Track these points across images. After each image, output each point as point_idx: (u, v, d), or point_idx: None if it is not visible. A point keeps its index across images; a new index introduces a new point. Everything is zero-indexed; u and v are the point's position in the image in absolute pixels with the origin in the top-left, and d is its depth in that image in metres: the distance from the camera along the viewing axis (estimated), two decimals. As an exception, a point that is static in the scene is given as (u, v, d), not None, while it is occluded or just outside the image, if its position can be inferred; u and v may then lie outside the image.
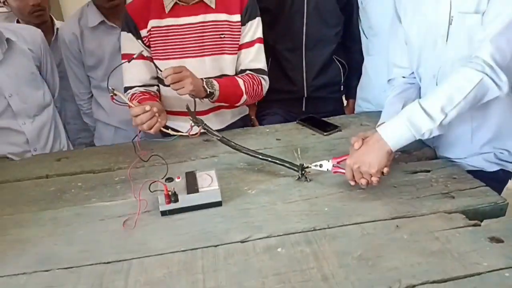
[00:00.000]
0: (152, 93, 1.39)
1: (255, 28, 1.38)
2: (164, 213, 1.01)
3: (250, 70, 1.41)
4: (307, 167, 1.13)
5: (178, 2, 1.32)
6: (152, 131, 1.17)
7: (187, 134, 1.21)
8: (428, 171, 1.15)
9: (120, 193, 1.14)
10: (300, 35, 1.59)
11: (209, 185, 1.04)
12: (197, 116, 1.22)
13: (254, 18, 1.37)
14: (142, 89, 1.38)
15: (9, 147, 1.47)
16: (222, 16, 1.34)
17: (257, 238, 0.92)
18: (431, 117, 0.98)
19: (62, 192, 1.17)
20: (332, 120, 1.52)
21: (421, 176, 1.12)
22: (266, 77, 1.44)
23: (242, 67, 1.42)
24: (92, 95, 1.81)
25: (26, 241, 0.96)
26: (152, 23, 1.33)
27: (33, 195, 1.16)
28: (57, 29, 1.83)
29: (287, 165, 1.15)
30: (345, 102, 1.85)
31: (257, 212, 1.01)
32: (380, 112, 1.55)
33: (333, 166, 1.10)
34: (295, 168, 1.14)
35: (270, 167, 1.21)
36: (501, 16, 0.95)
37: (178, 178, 1.07)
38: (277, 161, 1.17)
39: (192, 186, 1.03)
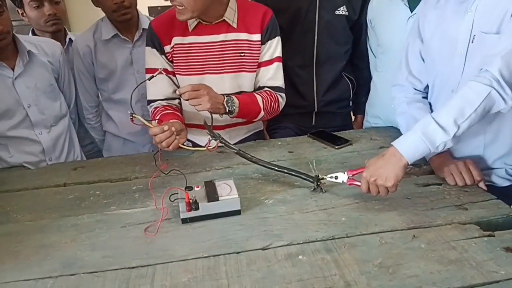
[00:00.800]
0: (174, 106, 1.43)
1: (274, 47, 1.43)
2: (184, 221, 1.04)
3: (268, 87, 1.45)
4: (322, 179, 1.16)
5: (201, 21, 1.36)
6: (170, 148, 1.20)
7: (205, 148, 1.23)
8: (440, 184, 1.17)
9: (139, 201, 1.17)
10: (311, 52, 1.64)
11: (228, 193, 1.06)
12: (214, 131, 1.25)
13: (274, 37, 1.42)
14: (164, 102, 1.42)
15: (26, 156, 1.49)
16: (243, 36, 1.39)
17: (278, 246, 0.94)
18: (444, 130, 1.02)
19: (81, 200, 1.19)
20: (342, 134, 1.56)
21: (434, 189, 1.15)
22: (283, 95, 1.48)
23: (260, 84, 1.46)
24: (98, 108, 1.84)
25: (49, 246, 0.98)
26: (176, 40, 1.38)
27: (53, 203, 1.18)
28: (69, 39, 1.88)
29: (302, 176, 1.18)
30: (353, 118, 1.90)
31: (276, 221, 1.04)
32: (389, 127, 1.61)
33: (348, 178, 1.13)
34: (311, 179, 1.17)
35: (284, 178, 1.24)
36: None
37: (198, 187, 1.09)
38: (293, 173, 1.19)
39: (212, 194, 1.05)
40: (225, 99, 1.31)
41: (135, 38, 1.71)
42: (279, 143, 1.52)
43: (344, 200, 1.11)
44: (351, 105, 1.79)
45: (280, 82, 1.47)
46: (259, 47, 1.41)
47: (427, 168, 1.28)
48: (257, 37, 1.39)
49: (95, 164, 1.44)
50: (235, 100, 1.33)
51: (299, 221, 1.03)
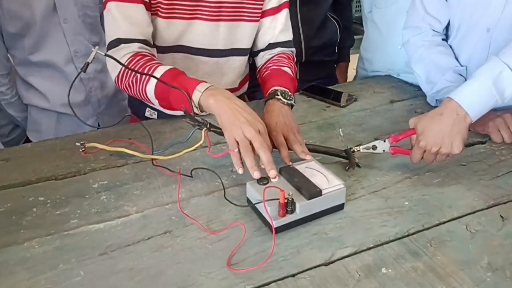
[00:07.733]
0: (155, 57, 1.00)
1: None
2: (279, 230, 0.71)
3: (280, 44, 1.12)
4: (356, 151, 0.90)
5: None
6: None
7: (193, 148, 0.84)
8: (483, 142, 0.99)
9: (111, 207, 0.80)
10: (293, -12, 1.32)
11: (328, 183, 0.75)
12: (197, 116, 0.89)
13: None
14: (145, 48, 0.97)
15: None
16: None
17: (345, 256, 0.67)
18: None
19: (19, 214, 0.79)
20: (338, 88, 1.31)
21: (481, 149, 0.97)
22: (294, 50, 1.17)
23: (271, 41, 1.11)
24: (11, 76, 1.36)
25: (-10, 308, 0.61)
26: None
27: (-26, 225, 0.77)
28: None
29: (332, 152, 0.91)
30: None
31: (323, 217, 0.76)
32: (387, 76, 1.39)
33: (390, 146, 0.88)
34: (344, 155, 0.90)
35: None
36: None
37: (274, 177, 0.76)
38: (322, 149, 0.92)
39: (310, 187, 0.74)
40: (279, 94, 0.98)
41: None
42: (269, 105, 1.22)
43: (391, 176, 0.87)
44: (337, 51, 1.53)
45: (291, 34, 1.14)
46: None
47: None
48: None
49: (24, 153, 1.01)
50: (286, 90, 1.01)
51: (352, 213, 0.77)
